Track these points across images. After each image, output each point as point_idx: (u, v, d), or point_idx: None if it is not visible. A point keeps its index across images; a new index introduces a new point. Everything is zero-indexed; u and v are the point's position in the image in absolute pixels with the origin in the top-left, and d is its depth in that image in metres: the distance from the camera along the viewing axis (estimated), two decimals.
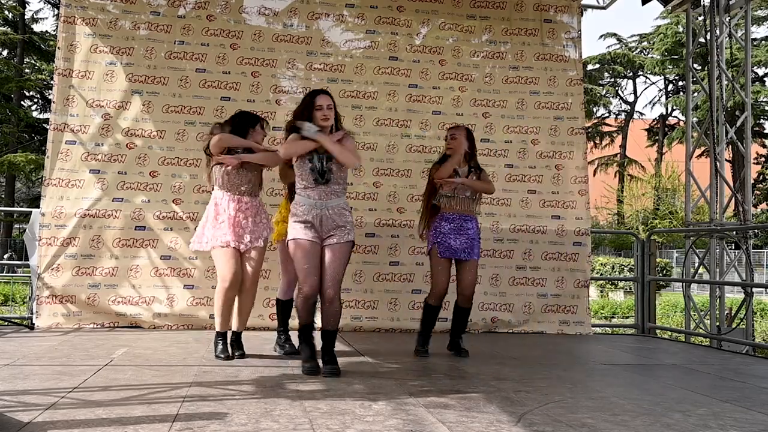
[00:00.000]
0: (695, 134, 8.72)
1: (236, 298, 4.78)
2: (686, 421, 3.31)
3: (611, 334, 8.25)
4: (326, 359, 4.31)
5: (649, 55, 37.08)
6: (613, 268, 23.01)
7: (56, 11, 26.98)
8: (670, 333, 8.58)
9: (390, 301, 6.72)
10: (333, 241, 4.29)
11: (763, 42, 32.54)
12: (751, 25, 8.93)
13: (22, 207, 26.41)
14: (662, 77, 38.25)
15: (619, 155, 39.07)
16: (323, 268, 4.28)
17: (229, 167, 4.68)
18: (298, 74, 7.00)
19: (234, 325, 4.88)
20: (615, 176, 37.98)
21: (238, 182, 4.72)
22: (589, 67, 36.58)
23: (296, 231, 4.30)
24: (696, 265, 8.20)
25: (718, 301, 7.75)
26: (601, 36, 39.95)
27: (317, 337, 4.39)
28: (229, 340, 4.84)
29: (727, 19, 7.84)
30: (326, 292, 4.28)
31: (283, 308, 5.21)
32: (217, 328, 4.82)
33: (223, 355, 4.73)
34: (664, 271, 23.04)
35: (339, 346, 5.52)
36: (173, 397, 3.46)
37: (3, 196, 26.60)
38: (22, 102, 27.39)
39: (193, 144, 6.65)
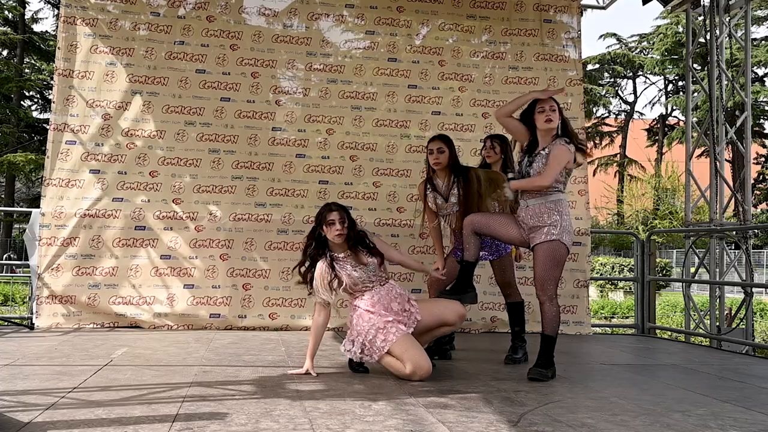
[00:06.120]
0: (695, 134, 8.72)
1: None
2: (686, 421, 3.31)
3: (611, 334, 8.24)
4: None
5: (649, 55, 37.09)
6: (613, 268, 23.00)
7: (56, 11, 27.01)
8: (670, 333, 8.58)
9: None
10: (535, 242, 4.27)
11: (763, 42, 32.55)
12: (751, 25, 8.93)
13: (22, 207, 26.44)
14: (662, 77, 38.26)
15: (618, 155, 39.07)
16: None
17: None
18: (298, 75, 7.01)
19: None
20: (615, 176, 37.98)
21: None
22: (589, 67, 36.58)
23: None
24: (696, 265, 8.20)
25: (718, 301, 7.75)
26: (601, 36, 40.00)
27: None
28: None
29: (727, 19, 7.84)
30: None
31: (516, 311, 5.06)
32: None
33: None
34: (664, 271, 23.03)
35: (338, 347, 5.53)
36: (173, 397, 3.46)
37: (3, 196, 26.60)
38: (22, 102, 27.40)
39: (193, 144, 6.67)
